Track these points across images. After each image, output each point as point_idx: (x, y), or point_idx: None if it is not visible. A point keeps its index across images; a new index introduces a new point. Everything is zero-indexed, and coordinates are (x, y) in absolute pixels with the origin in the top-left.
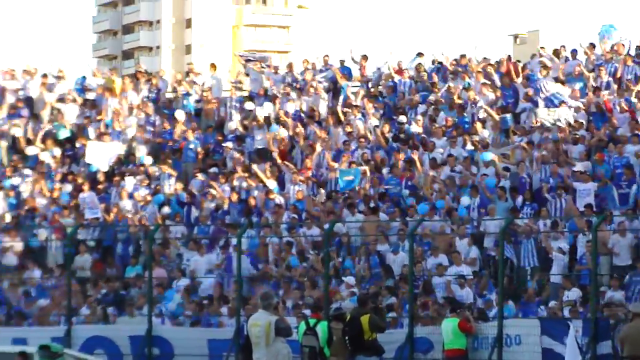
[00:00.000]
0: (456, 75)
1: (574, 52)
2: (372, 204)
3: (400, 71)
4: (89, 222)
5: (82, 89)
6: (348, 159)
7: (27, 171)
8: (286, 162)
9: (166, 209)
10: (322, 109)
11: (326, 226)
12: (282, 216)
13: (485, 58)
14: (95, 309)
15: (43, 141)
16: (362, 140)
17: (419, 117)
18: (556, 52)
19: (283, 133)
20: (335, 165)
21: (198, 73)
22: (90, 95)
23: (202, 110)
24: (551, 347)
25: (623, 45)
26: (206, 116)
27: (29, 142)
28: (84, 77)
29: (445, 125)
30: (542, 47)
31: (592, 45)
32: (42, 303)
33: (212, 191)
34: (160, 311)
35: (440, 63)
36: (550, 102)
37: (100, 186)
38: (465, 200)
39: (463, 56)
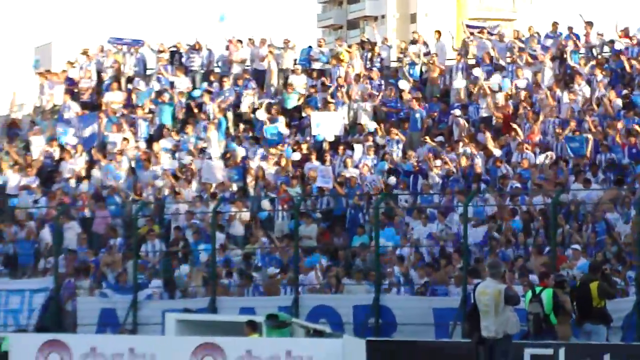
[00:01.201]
0: None
1: None
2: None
3: (627, 37)
4: (317, 191)
5: (308, 59)
6: (574, 126)
7: (253, 141)
8: (516, 128)
9: (393, 178)
10: (548, 76)
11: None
12: (507, 185)
13: None
14: (331, 278)
15: (269, 111)
16: (589, 108)
17: None
18: None
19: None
20: (562, 132)
21: (424, 41)
22: (316, 65)
23: (427, 79)
24: None
25: None
26: (431, 84)
27: (256, 112)
28: (310, 47)
29: None
30: None
31: None
32: (269, 272)
33: (443, 159)
34: (398, 280)
35: None
36: None
37: (325, 156)
38: None
39: None
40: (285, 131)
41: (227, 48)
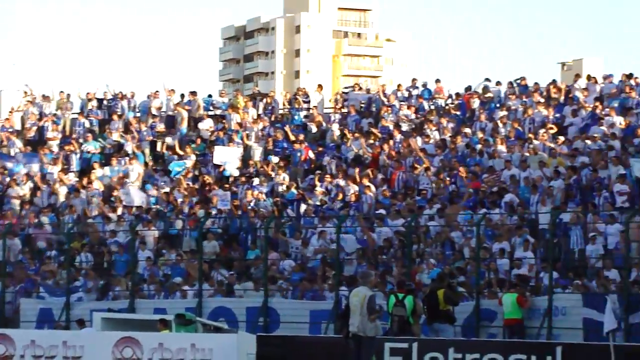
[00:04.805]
0: (516, 95)
1: (610, 77)
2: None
3: (470, 92)
4: (217, 213)
5: (210, 106)
6: (428, 164)
7: (163, 173)
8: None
9: (281, 204)
10: (407, 122)
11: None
12: (371, 210)
13: (536, 83)
14: (222, 284)
15: (181, 148)
16: (439, 148)
17: (486, 128)
18: (589, 78)
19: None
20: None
21: (306, 92)
22: (217, 111)
23: (308, 124)
24: (591, 317)
25: None
26: (312, 128)
27: (170, 149)
28: (210, 96)
29: (507, 135)
30: (588, 75)
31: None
32: (177, 280)
33: (318, 190)
34: (281, 284)
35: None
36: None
37: (229, 185)
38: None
39: (522, 79)
40: (190, 164)
41: (147, 97)
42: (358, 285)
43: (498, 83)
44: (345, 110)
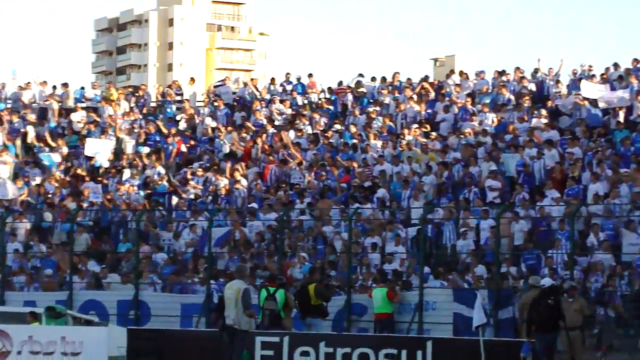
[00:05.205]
0: (389, 91)
1: (482, 73)
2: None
3: (342, 88)
4: (88, 205)
5: (82, 98)
6: (301, 158)
7: (34, 165)
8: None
9: (152, 197)
10: (280, 116)
11: (281, 212)
12: (245, 204)
13: (408, 78)
14: (92, 278)
15: (53, 140)
16: (312, 143)
17: (359, 123)
18: (461, 74)
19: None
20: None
21: (179, 86)
22: (89, 103)
23: (181, 117)
24: (461, 312)
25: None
26: (184, 122)
27: (41, 141)
28: (82, 88)
29: (380, 131)
30: (460, 71)
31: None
32: (48, 273)
33: (190, 183)
34: (152, 279)
35: (376, 79)
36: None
37: (100, 177)
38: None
39: (396, 74)
40: (59, 159)
41: (19, 88)
42: (233, 279)
43: (373, 79)
44: (216, 104)
